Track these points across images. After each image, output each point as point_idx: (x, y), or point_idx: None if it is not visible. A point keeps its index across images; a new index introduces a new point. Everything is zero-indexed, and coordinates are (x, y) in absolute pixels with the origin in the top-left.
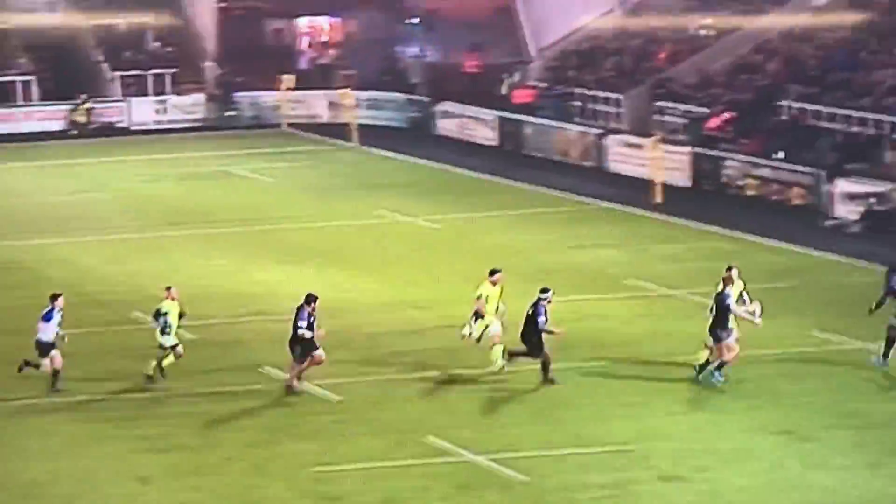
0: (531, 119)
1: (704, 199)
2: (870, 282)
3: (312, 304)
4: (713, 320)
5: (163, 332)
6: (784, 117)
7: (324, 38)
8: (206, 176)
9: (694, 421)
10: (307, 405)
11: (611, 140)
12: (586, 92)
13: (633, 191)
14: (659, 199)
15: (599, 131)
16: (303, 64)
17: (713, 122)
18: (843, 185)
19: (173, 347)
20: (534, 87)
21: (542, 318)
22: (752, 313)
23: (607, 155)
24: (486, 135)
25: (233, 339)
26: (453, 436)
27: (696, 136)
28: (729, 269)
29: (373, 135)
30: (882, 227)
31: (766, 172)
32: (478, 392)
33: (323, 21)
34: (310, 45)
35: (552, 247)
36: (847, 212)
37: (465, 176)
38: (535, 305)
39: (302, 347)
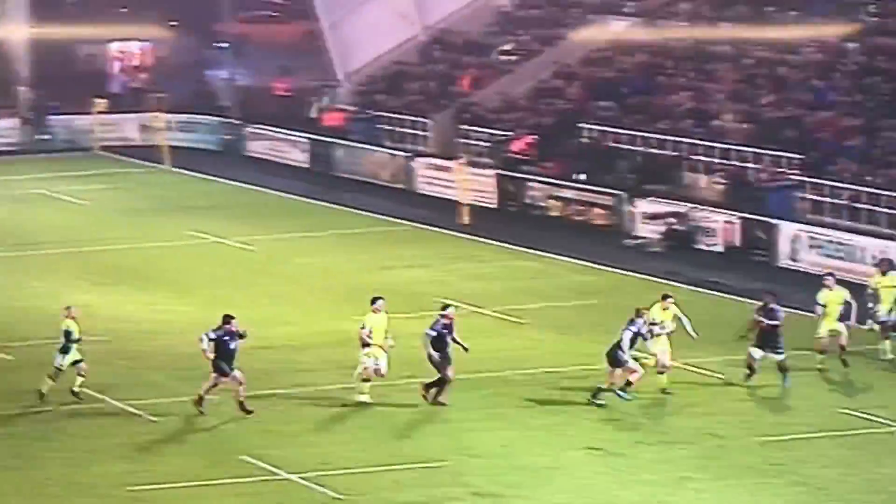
0: (341, 141)
1: (510, 220)
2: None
3: (230, 324)
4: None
5: (63, 351)
6: (585, 140)
7: (135, 63)
8: (21, 199)
9: (506, 437)
10: (124, 425)
11: (419, 163)
12: (394, 115)
13: (442, 212)
14: (466, 220)
15: (408, 154)
16: (115, 88)
17: (516, 146)
18: (643, 206)
19: (75, 363)
20: (343, 111)
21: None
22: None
23: (416, 177)
24: (297, 157)
25: (49, 360)
26: (268, 455)
27: (500, 159)
28: (664, 297)
29: (185, 157)
30: (682, 246)
31: (568, 194)
32: (292, 412)
33: (134, 46)
34: (121, 70)
35: (364, 267)
36: (648, 231)
37: (276, 197)
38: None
39: (220, 364)
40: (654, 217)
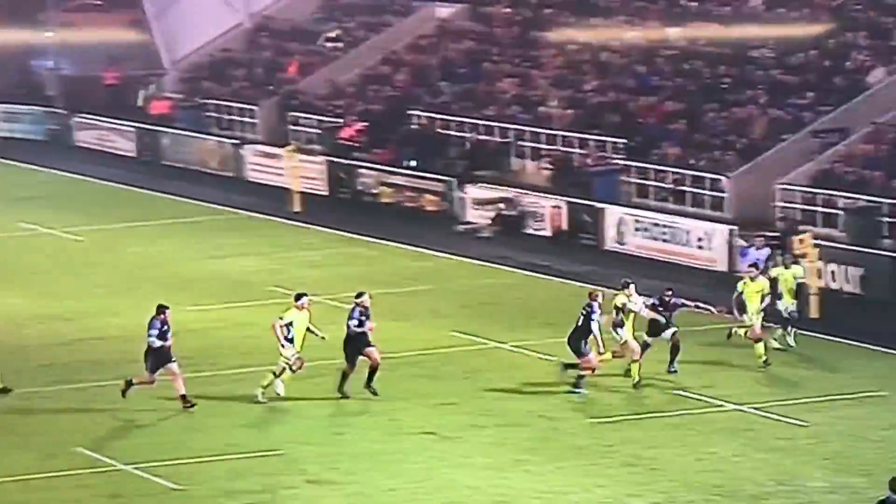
0: (168, 130)
1: (341, 207)
2: (502, 283)
3: (164, 314)
4: (578, 332)
5: None
6: (414, 126)
7: None
8: None
9: (340, 424)
10: None
11: (247, 150)
12: (221, 103)
13: (272, 200)
14: (297, 207)
15: (236, 141)
16: None
17: (346, 133)
18: (473, 192)
19: None
20: (170, 99)
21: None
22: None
23: (245, 165)
24: (125, 146)
25: None
26: (102, 446)
27: (330, 146)
28: (625, 285)
29: (10, 147)
30: (511, 231)
31: (399, 180)
32: (127, 403)
33: None
34: None
35: (195, 256)
36: (478, 217)
37: (105, 187)
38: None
39: (155, 358)
40: (483, 203)
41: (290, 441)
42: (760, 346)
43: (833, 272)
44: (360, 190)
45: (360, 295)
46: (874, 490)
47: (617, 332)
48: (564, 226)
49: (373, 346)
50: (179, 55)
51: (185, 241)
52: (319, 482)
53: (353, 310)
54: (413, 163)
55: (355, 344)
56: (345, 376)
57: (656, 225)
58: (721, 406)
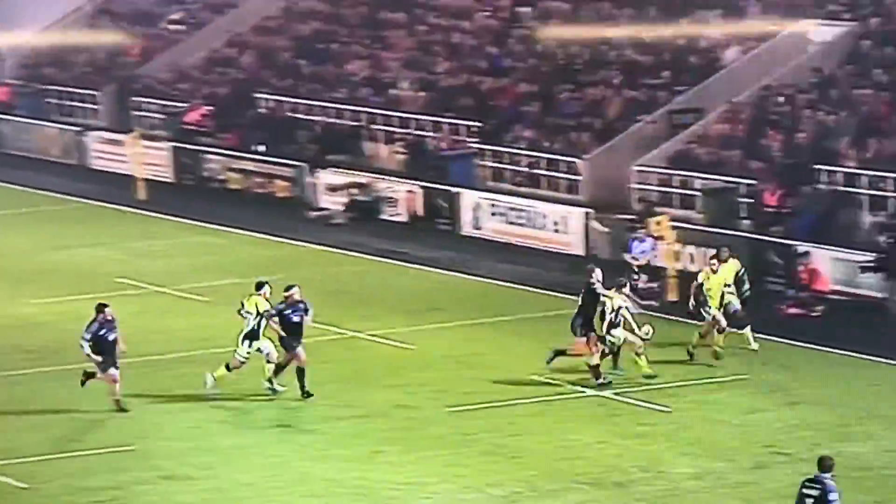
0: (7, 117)
1: (188, 195)
2: (357, 271)
3: (104, 314)
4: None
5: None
6: (262, 110)
7: None
8: None
9: (193, 419)
10: None
11: (90, 137)
12: (62, 89)
13: (117, 188)
14: (143, 195)
15: (78, 128)
16: None
17: (191, 117)
18: (325, 177)
19: None
20: (8, 85)
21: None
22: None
23: (88, 152)
24: None
25: None
26: None
27: (175, 132)
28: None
29: None
30: (366, 217)
31: (248, 166)
32: None
33: None
34: None
35: (37, 247)
36: (331, 203)
37: None
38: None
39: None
40: (336, 188)
41: (142, 436)
42: (720, 337)
43: (691, 254)
44: (206, 176)
45: (288, 288)
46: (738, 475)
47: (611, 335)
48: (420, 211)
49: (301, 344)
50: (17, 40)
51: (27, 233)
52: (174, 478)
53: (279, 303)
54: (261, 147)
55: (291, 337)
56: (280, 368)
57: (512, 209)
58: (582, 392)
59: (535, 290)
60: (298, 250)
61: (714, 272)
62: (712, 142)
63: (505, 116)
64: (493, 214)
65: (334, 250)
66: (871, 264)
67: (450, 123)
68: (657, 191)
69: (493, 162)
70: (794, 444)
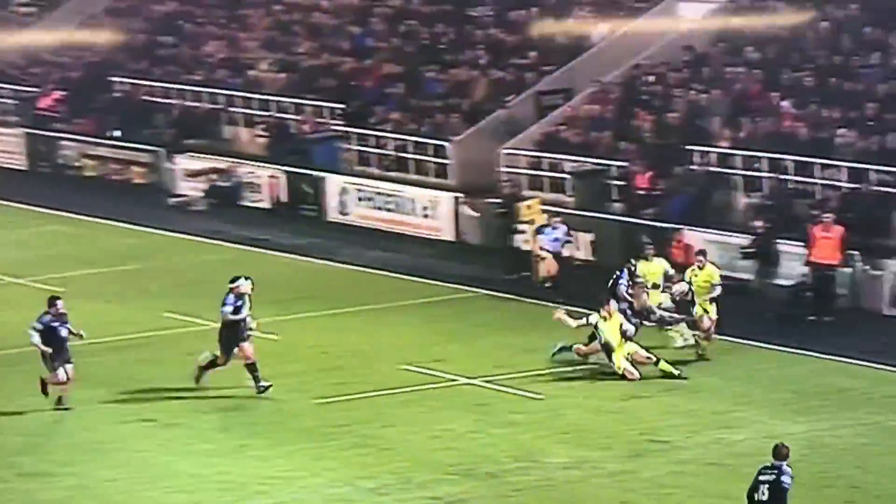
0: None
1: (42, 182)
2: (219, 260)
3: (55, 307)
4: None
5: None
6: (117, 94)
7: None
8: None
9: (55, 414)
10: None
11: None
12: None
13: None
14: None
15: None
16: None
17: (44, 102)
18: (183, 162)
19: None
20: None
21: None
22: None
23: None
24: None
25: None
26: None
27: (27, 117)
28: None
29: None
30: (227, 203)
31: (104, 151)
32: None
33: None
34: None
35: None
36: (190, 189)
37: None
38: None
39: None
40: (195, 174)
41: None
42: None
43: None
44: (61, 163)
45: (234, 280)
46: (614, 464)
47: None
48: (283, 197)
49: (248, 339)
50: None
51: None
52: (33, 475)
53: (226, 295)
54: (117, 133)
55: (231, 333)
56: (212, 365)
57: (380, 194)
58: (453, 381)
59: (404, 277)
60: (158, 238)
61: (701, 268)
62: (582, 123)
63: (369, 98)
64: (360, 200)
65: (195, 238)
66: (751, 250)
67: (312, 105)
68: (527, 174)
69: (359, 145)
70: (671, 432)
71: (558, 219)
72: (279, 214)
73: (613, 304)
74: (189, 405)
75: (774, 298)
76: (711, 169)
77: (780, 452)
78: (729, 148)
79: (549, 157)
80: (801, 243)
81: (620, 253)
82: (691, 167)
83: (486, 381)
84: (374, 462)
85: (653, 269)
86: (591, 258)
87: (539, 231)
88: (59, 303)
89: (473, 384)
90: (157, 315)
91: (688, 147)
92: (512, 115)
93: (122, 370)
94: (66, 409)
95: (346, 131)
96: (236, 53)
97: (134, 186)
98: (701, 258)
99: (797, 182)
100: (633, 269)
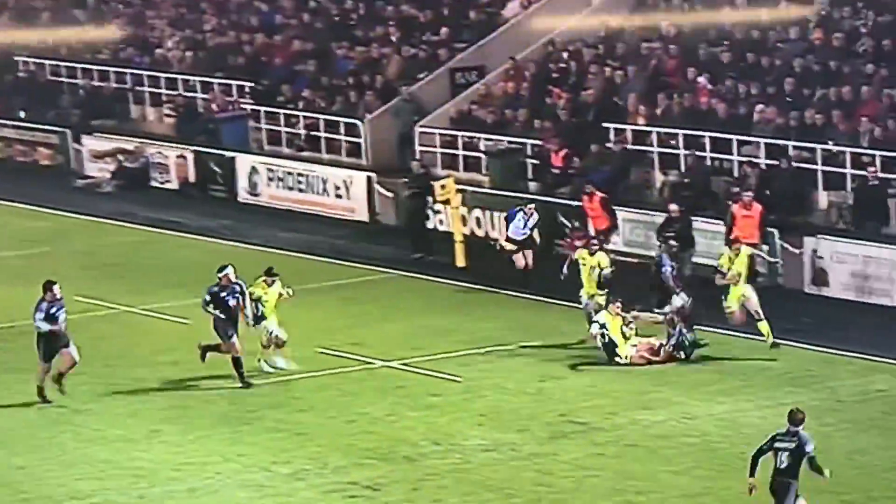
0: None
1: None
2: (128, 242)
3: (51, 292)
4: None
5: None
6: (21, 74)
7: None
8: None
9: None
10: None
11: None
12: None
13: None
14: None
15: None
16: None
17: None
18: (90, 143)
19: None
20: None
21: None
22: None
23: None
24: None
25: None
26: None
27: None
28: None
29: None
30: (135, 184)
31: (9, 133)
32: None
33: None
34: None
35: None
36: (97, 170)
37: None
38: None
39: (46, 344)
40: (102, 155)
41: None
42: (764, 325)
43: (478, 218)
44: None
45: (221, 269)
46: (533, 446)
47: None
48: (192, 177)
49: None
50: None
51: None
52: None
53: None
54: (22, 113)
55: (223, 322)
56: (216, 350)
57: (291, 174)
58: (369, 364)
59: (318, 258)
60: (65, 221)
61: (737, 255)
62: (496, 101)
63: (279, 76)
64: (271, 180)
65: (103, 220)
66: (670, 234)
67: (221, 84)
68: (441, 153)
69: (269, 124)
70: (589, 413)
71: (532, 206)
72: (188, 195)
73: (619, 304)
74: (99, 390)
75: (694, 278)
76: (628, 147)
77: (796, 417)
78: (645, 125)
79: (464, 135)
80: (720, 222)
81: (538, 232)
82: (607, 145)
83: (403, 364)
84: (289, 447)
85: (592, 262)
86: None
87: (510, 215)
88: (56, 287)
89: (390, 367)
90: (67, 299)
91: (603, 124)
92: (425, 93)
93: (32, 356)
94: (63, 393)
95: (256, 110)
96: (143, 31)
97: (40, 168)
98: (738, 246)
99: (715, 159)
100: (673, 250)
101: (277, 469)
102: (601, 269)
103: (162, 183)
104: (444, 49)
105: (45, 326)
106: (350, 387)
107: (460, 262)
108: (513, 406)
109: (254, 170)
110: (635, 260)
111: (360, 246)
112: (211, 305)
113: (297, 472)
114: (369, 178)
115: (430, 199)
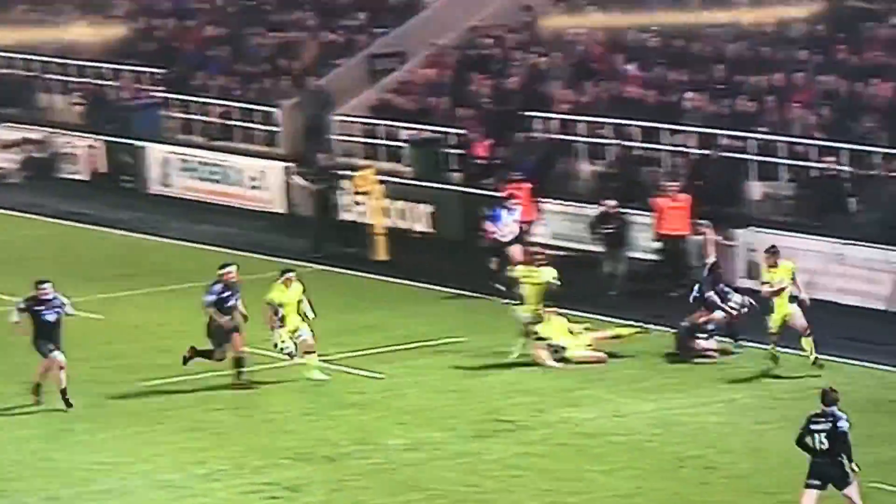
0: None
1: None
2: (36, 235)
3: (43, 288)
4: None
5: None
6: None
7: None
8: None
9: None
10: None
11: None
12: None
13: None
14: None
15: None
16: None
17: None
18: None
19: None
20: None
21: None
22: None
23: None
24: None
25: None
26: None
27: None
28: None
29: None
30: (43, 175)
31: None
32: None
33: None
34: None
35: None
36: (4, 161)
37: None
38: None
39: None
40: (9, 145)
41: None
42: (807, 341)
43: (401, 210)
44: None
45: (223, 266)
46: (458, 445)
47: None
48: (102, 168)
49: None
50: None
51: None
52: None
53: (212, 284)
54: None
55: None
56: (205, 356)
57: (204, 164)
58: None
59: (233, 251)
60: None
61: (774, 266)
62: (417, 89)
63: (191, 62)
64: (184, 170)
65: (10, 213)
66: (609, 230)
67: (131, 71)
68: (361, 142)
69: (181, 112)
70: (516, 411)
71: (517, 201)
72: (99, 186)
73: (553, 311)
74: (6, 389)
75: (625, 272)
76: (553, 136)
77: (829, 397)
78: (571, 113)
79: (384, 124)
80: (648, 214)
81: (461, 225)
82: (532, 134)
83: (323, 361)
84: (205, 447)
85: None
86: (429, 230)
87: (495, 215)
88: (47, 286)
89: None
90: None
91: (528, 113)
92: (343, 80)
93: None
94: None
95: (168, 97)
96: (50, 16)
97: None
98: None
99: (643, 149)
100: (716, 268)
101: (193, 469)
102: (551, 283)
103: (71, 173)
104: (362, 35)
105: (16, 316)
106: (267, 385)
107: (382, 255)
108: (437, 404)
109: (166, 160)
110: (562, 253)
111: (276, 238)
112: (213, 307)
113: (212, 472)
114: (286, 168)
115: (338, 192)
